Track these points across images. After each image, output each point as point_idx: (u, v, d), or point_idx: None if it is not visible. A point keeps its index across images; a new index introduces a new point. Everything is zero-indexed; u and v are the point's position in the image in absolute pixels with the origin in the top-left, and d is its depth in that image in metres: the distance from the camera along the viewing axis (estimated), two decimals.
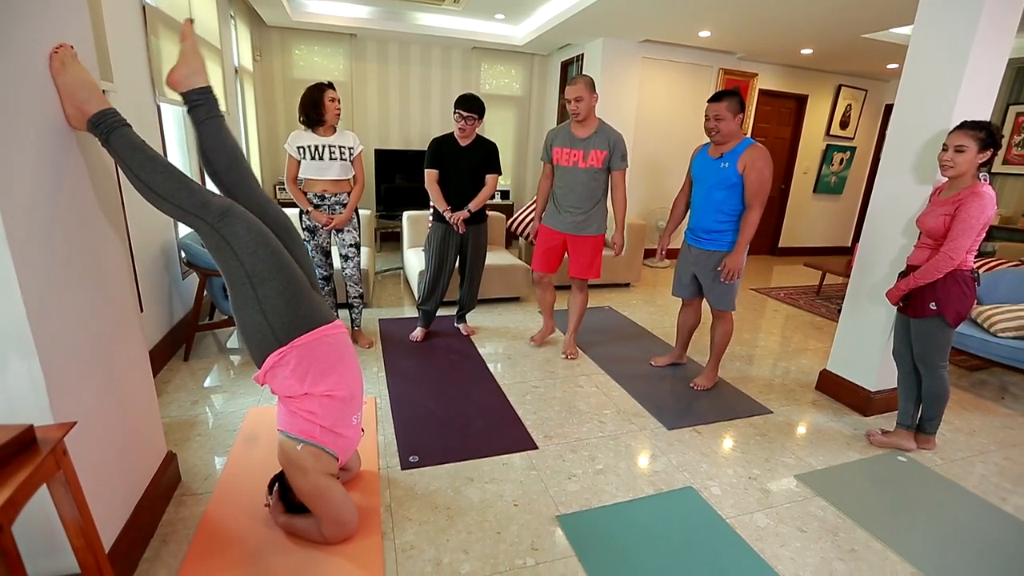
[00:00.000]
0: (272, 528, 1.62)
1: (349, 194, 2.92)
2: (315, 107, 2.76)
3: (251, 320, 1.44)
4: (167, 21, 2.77)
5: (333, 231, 2.91)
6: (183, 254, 2.93)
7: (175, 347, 2.83)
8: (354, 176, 2.95)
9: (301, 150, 2.80)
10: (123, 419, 1.50)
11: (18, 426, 0.97)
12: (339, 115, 2.84)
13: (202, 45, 3.31)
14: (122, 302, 1.52)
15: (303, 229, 2.92)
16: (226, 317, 2.87)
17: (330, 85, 2.79)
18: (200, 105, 1.46)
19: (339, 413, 1.55)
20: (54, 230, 1.19)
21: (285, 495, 1.62)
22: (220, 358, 2.85)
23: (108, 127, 1.25)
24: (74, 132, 1.28)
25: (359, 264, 3.02)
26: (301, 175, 2.87)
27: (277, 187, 5.28)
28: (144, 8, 2.51)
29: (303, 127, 2.82)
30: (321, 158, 2.82)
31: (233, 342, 3.08)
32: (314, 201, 2.86)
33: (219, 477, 1.86)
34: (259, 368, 1.49)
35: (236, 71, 4.29)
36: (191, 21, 1.48)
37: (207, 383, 2.56)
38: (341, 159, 2.86)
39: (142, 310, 2.41)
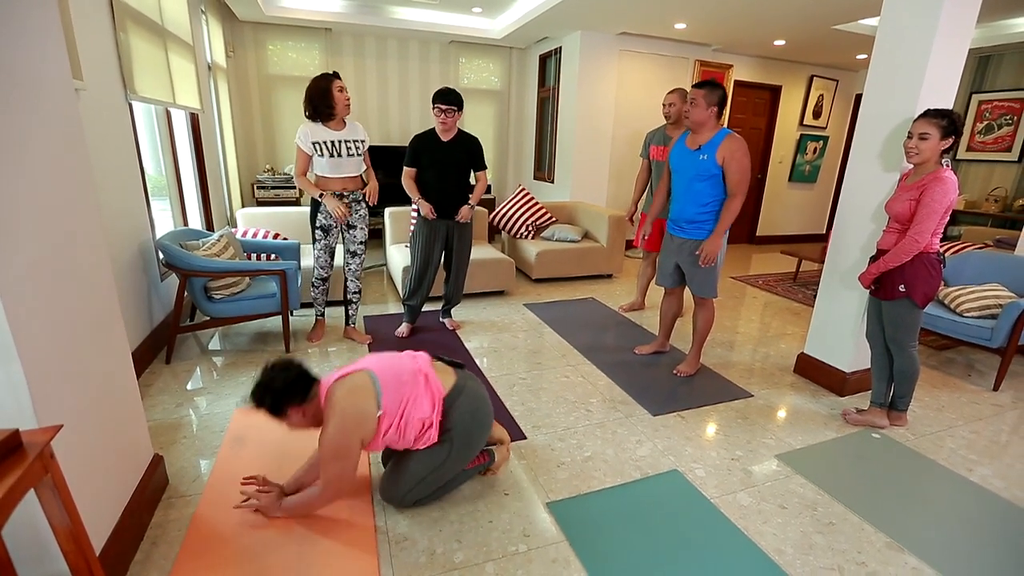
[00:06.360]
0: (264, 527, 1.62)
1: (361, 190, 2.85)
2: (324, 98, 2.61)
3: None
4: (136, 16, 2.70)
5: (345, 228, 2.86)
6: (161, 255, 2.87)
7: (156, 350, 2.78)
8: (367, 170, 2.89)
9: (317, 146, 2.66)
10: (108, 422, 1.48)
11: (3, 431, 0.96)
12: (348, 106, 2.69)
13: (173, 41, 3.23)
14: (102, 303, 1.50)
15: (316, 228, 2.83)
16: (207, 318, 2.83)
17: (335, 75, 2.68)
18: None
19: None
20: (31, 232, 1.17)
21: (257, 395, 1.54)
22: (202, 360, 2.81)
23: None
24: (51, 135, 1.25)
25: (363, 261, 3.00)
26: (317, 172, 2.76)
27: (255, 186, 5.19)
28: (112, 2, 2.44)
29: (309, 120, 2.68)
30: (339, 155, 2.70)
31: (215, 343, 3.04)
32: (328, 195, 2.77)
33: (208, 479, 1.85)
34: None
35: (209, 68, 4.20)
36: None
37: (190, 385, 2.53)
38: (358, 154, 2.78)
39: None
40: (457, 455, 1.67)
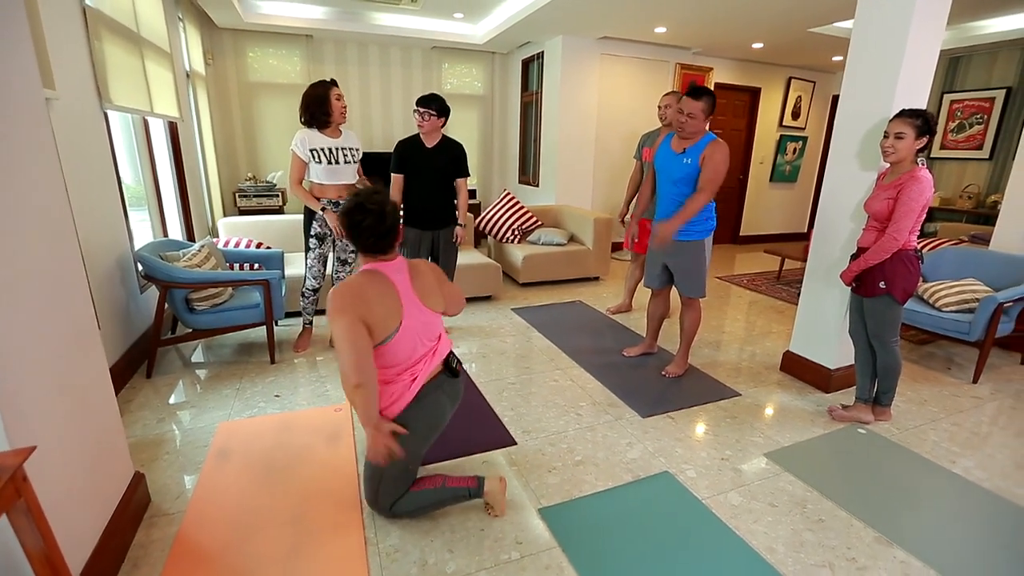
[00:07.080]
0: (251, 542, 1.59)
1: None
2: (321, 105, 2.63)
3: None
4: (110, 24, 2.65)
5: (339, 236, 2.82)
6: (140, 267, 2.81)
7: (136, 364, 2.71)
8: (362, 180, 2.89)
9: (315, 153, 2.66)
10: (86, 440, 1.44)
11: None
12: (345, 114, 2.72)
13: (149, 49, 3.18)
14: (78, 318, 1.46)
15: (311, 236, 2.82)
16: (189, 331, 2.77)
17: (333, 82, 2.69)
18: None
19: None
20: (2, 246, 1.13)
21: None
22: (185, 373, 2.75)
23: None
24: (19, 144, 1.22)
25: (353, 269, 2.98)
26: (313, 180, 2.75)
27: (237, 194, 5.11)
28: (84, 10, 2.39)
29: (305, 127, 2.69)
30: (337, 162, 2.70)
31: (198, 356, 2.98)
32: (328, 208, 2.77)
33: (191, 495, 1.80)
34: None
35: (188, 75, 4.14)
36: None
37: (172, 399, 2.47)
38: (355, 161, 2.78)
39: (99, 327, 2.30)
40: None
